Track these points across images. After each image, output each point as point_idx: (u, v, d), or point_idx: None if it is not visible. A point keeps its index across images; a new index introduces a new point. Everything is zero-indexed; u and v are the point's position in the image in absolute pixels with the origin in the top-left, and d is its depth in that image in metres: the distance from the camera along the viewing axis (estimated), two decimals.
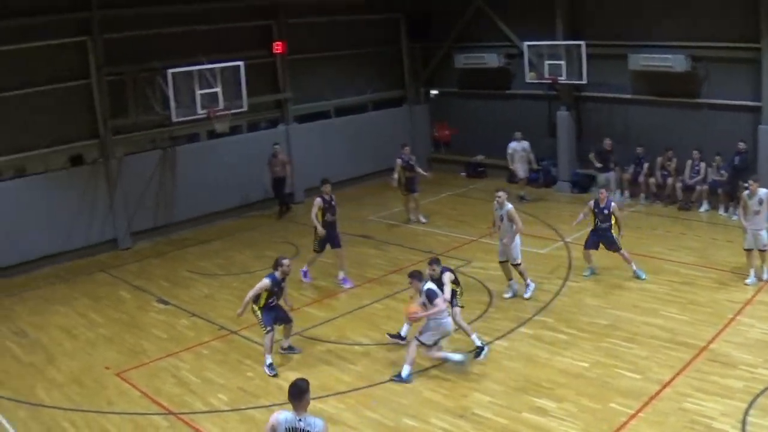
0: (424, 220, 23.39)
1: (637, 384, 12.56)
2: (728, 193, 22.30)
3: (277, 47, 26.22)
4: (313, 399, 12.43)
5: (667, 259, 18.80)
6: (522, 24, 27.06)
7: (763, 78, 21.79)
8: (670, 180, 23.43)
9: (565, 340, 14.59)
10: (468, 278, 18.20)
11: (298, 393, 8.37)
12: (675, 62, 22.83)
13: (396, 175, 23.06)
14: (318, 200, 18.40)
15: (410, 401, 12.72)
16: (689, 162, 23.33)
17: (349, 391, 13.11)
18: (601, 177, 23.92)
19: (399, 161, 22.97)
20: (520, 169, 25.54)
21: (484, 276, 18.40)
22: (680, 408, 11.74)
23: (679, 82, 23.40)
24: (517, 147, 25.41)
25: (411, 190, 23.30)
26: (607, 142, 23.90)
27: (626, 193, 24.55)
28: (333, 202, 18.65)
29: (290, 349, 14.86)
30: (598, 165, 24.15)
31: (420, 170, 23.32)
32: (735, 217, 20.74)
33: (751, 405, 11.76)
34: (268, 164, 25.05)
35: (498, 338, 14.92)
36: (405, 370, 13.33)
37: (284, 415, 8.34)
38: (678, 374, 12.86)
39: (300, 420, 8.26)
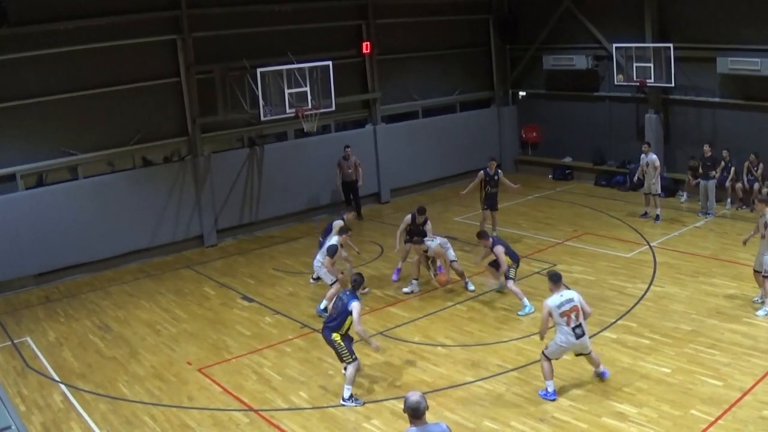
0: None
1: (718, 391, 12.55)
2: None
3: (366, 47, 26.60)
4: (394, 399, 12.96)
5: (735, 263, 18.67)
6: (610, 26, 27.07)
7: None
8: (756, 185, 23.09)
9: (648, 345, 14.60)
10: None
11: (417, 411, 8.09)
12: (764, 66, 22.55)
13: (467, 190, 22.33)
14: (407, 218, 18.82)
15: (491, 403, 12.87)
16: (746, 164, 23.17)
17: (431, 391, 13.21)
18: (701, 185, 23.37)
19: (481, 174, 21.96)
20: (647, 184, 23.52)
21: (569, 279, 18.32)
22: (760, 416, 11.73)
23: None
24: (643, 160, 23.40)
25: (490, 207, 22.05)
26: (706, 148, 23.31)
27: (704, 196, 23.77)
28: (423, 227, 18.77)
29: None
30: (700, 171, 23.62)
31: (509, 183, 22.18)
32: None
33: None
34: (337, 165, 25.11)
35: None
36: (549, 386, 12.99)
37: None
38: (759, 382, 12.82)
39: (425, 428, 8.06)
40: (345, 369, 13.32)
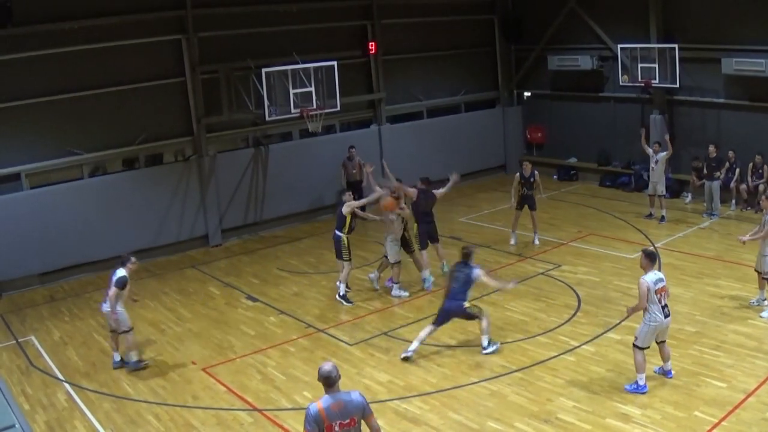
0: (537, 242, 21.73)
1: (722, 393, 12.53)
2: None
3: (372, 48, 26.60)
4: (398, 399, 13.02)
5: (738, 264, 18.64)
6: (615, 26, 27.05)
7: None
8: (761, 186, 23.05)
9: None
10: (557, 282, 18.52)
11: (329, 379, 8.34)
12: None
13: (513, 194, 21.94)
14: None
15: (495, 404, 12.86)
16: (750, 164, 23.23)
17: (434, 392, 13.26)
18: (706, 186, 23.38)
19: (517, 176, 21.61)
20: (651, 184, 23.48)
21: (574, 280, 18.53)
22: (764, 418, 11.71)
23: None
24: (653, 159, 23.08)
25: (530, 206, 21.59)
26: (711, 149, 23.30)
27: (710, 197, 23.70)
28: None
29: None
30: (704, 172, 23.61)
31: (541, 186, 22.01)
32: None
33: None
34: (342, 166, 25.10)
35: (585, 343, 15.01)
36: (641, 380, 12.93)
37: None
38: (763, 384, 12.80)
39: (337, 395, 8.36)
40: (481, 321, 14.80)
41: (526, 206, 21.56)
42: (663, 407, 12.29)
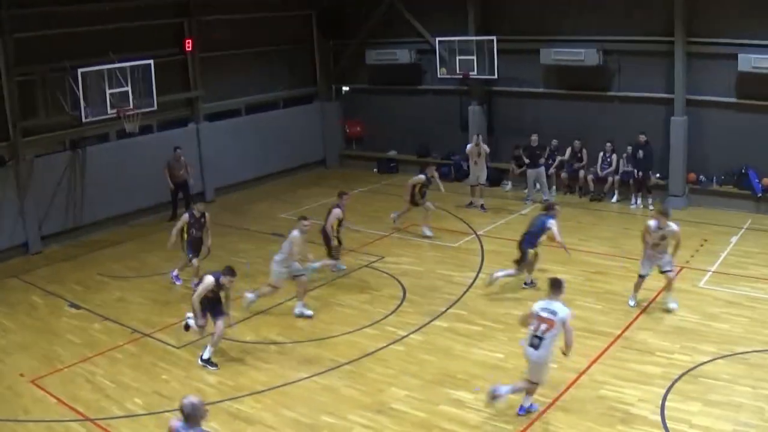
0: (429, 234, 21.10)
1: (554, 373, 12.40)
2: (639, 184, 22.83)
3: (188, 45, 25.62)
4: (230, 400, 12.51)
5: (580, 250, 18.89)
6: (434, 20, 27.04)
7: (675, 70, 22.26)
8: (581, 172, 23.71)
9: (481, 332, 14.59)
10: (382, 273, 18.26)
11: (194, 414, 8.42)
12: (586, 56, 23.19)
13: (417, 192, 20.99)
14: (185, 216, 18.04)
15: (327, 398, 12.52)
16: (601, 154, 23.74)
17: (266, 390, 12.87)
18: (531, 173, 23.83)
19: (422, 177, 20.98)
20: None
21: (398, 271, 18.33)
22: (597, 396, 11.79)
23: (591, 75, 23.82)
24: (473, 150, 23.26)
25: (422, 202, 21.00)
26: (534, 137, 23.70)
27: (533, 184, 24.25)
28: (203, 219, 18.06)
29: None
30: (526, 161, 23.97)
31: (440, 183, 21.50)
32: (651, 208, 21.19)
33: (669, 390, 11.91)
34: (167, 168, 23.94)
35: (413, 332, 14.83)
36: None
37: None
38: (594, 362, 12.95)
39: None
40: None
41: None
42: None
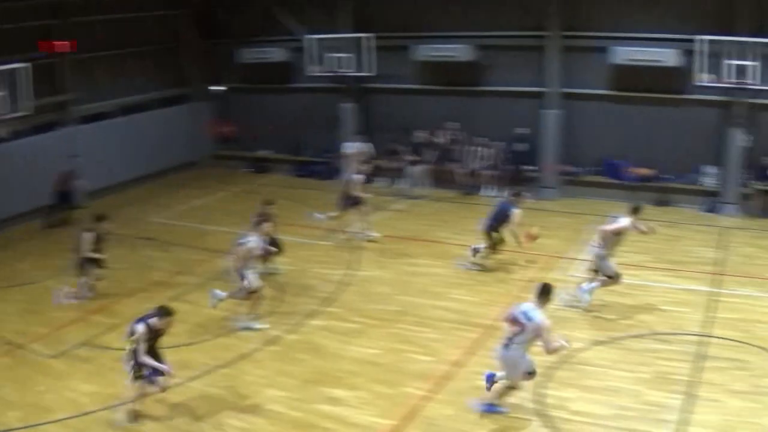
0: (374, 234, 20.25)
1: (430, 366, 12.58)
2: (511, 177, 23.17)
3: (60, 47, 24.55)
4: (106, 409, 12.02)
5: (453, 243, 19.00)
6: (308, 17, 26.70)
7: (548, 64, 22.83)
8: (456, 166, 23.98)
9: (356, 329, 14.53)
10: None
11: None
12: (460, 52, 23.52)
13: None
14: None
15: (203, 403, 12.16)
16: (474, 148, 24.00)
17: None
18: (416, 170, 23.95)
19: (361, 177, 20.68)
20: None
21: (272, 271, 17.93)
22: (473, 386, 11.81)
23: (466, 71, 24.14)
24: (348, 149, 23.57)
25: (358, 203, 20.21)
26: (416, 134, 23.97)
27: (409, 180, 24.53)
28: None
29: None
30: (405, 157, 24.15)
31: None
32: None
33: (546, 378, 12.03)
34: (56, 175, 23.33)
35: (288, 332, 14.61)
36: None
37: None
38: (469, 354, 13.01)
39: None
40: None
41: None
42: (372, 386, 12.16)
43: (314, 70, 25.95)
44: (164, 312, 11.45)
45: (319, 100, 27.39)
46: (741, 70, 20.45)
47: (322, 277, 17.50)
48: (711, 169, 22.40)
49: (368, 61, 24.73)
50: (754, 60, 20.29)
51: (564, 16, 22.61)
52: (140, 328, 11.29)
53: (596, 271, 15.13)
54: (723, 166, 21.98)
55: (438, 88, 25.03)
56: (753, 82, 20.44)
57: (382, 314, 15.00)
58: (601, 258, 14.92)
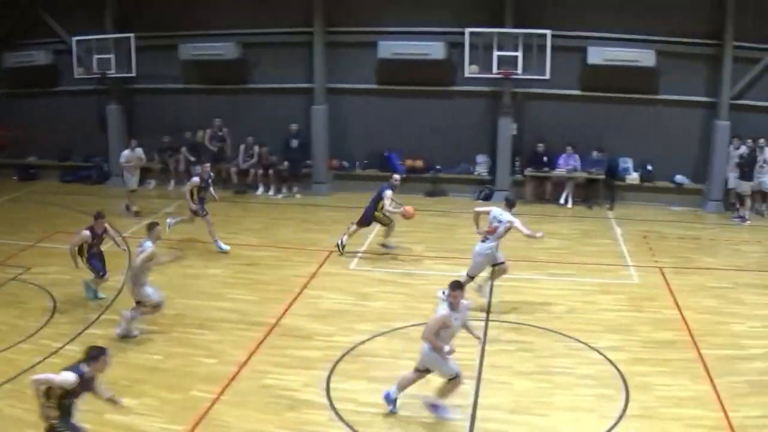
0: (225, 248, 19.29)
1: (215, 368, 12.68)
2: (289, 174, 23.90)
3: None
4: None
5: (229, 243, 19.17)
6: (71, 18, 26.04)
7: (314, 60, 23.69)
8: (226, 165, 24.33)
9: (136, 336, 14.22)
10: (29, 285, 17.24)
11: None
12: (225, 50, 23.80)
13: (192, 198, 19.32)
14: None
15: None
16: (242, 146, 24.44)
17: None
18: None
19: (197, 180, 19.45)
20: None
21: (46, 281, 17.38)
22: (261, 385, 12.05)
23: (232, 69, 24.56)
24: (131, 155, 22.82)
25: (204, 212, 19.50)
26: (202, 133, 24.38)
27: (172, 182, 25.04)
28: None
29: None
30: (192, 159, 24.33)
31: (212, 191, 20.00)
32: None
33: (331, 372, 12.47)
34: None
35: (68, 342, 14.18)
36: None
37: None
38: (253, 353, 13.22)
39: None
40: None
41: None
42: (158, 393, 12.05)
43: (80, 72, 25.32)
44: (97, 354, 10.11)
45: (86, 104, 26.61)
46: (507, 61, 21.68)
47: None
48: (482, 158, 23.61)
49: (131, 62, 24.44)
50: (518, 50, 21.58)
51: (329, 12, 23.26)
52: (69, 378, 9.75)
53: None
54: (494, 154, 23.18)
55: (205, 87, 25.17)
56: (517, 72, 21.73)
57: (160, 319, 14.77)
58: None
